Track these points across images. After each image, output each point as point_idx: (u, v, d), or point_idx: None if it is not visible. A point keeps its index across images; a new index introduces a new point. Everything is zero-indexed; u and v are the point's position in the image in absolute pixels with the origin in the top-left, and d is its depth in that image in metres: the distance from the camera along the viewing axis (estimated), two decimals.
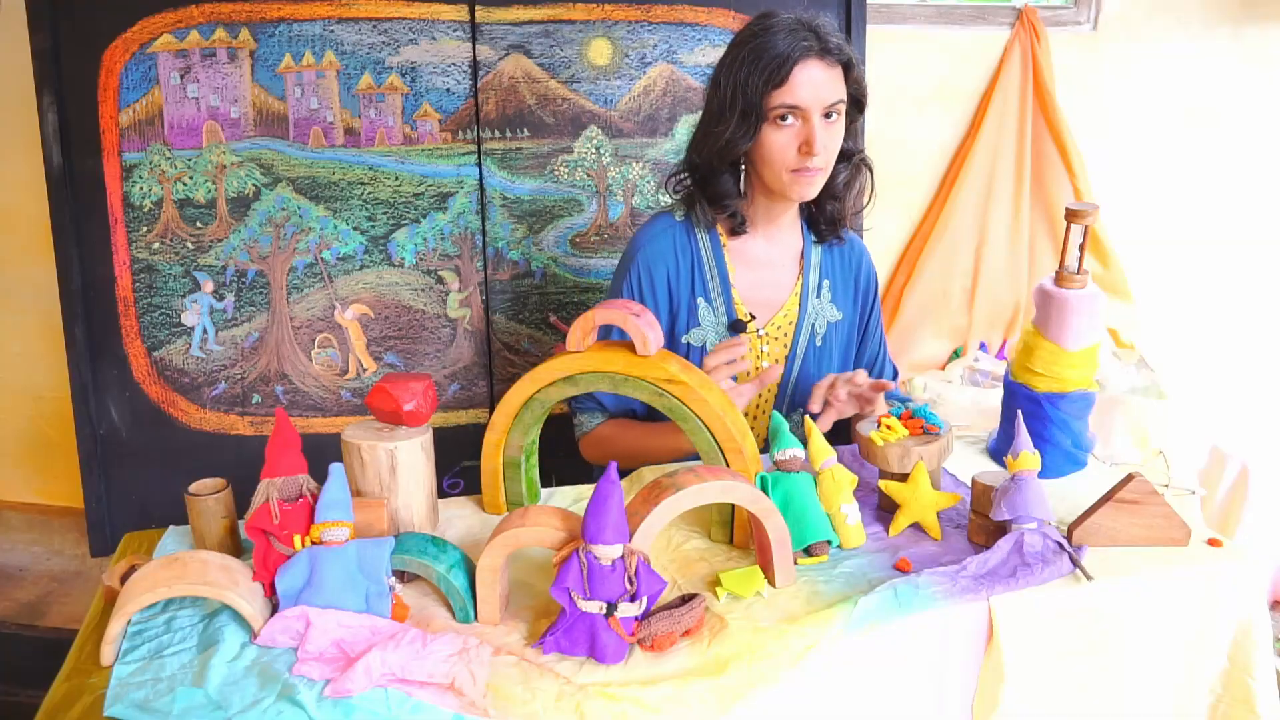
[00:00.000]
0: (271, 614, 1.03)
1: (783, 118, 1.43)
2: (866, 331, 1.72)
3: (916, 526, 1.23)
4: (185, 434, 2.12)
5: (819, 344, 1.64)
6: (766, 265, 1.62)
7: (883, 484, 1.24)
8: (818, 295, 1.63)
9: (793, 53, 1.40)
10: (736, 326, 1.59)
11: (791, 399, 1.64)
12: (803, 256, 1.63)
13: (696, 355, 1.59)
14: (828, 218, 1.61)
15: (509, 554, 1.05)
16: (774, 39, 1.42)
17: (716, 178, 1.54)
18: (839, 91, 1.44)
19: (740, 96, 1.43)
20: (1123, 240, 2.58)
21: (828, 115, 1.44)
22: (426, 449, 1.19)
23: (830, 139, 1.46)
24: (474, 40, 2.08)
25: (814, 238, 1.64)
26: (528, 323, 2.20)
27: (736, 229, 1.58)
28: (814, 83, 1.41)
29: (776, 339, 1.62)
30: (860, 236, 1.74)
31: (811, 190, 1.49)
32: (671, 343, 1.59)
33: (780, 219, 1.60)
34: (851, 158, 1.57)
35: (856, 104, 1.52)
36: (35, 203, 2.15)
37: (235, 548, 1.18)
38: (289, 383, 2.14)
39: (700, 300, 1.58)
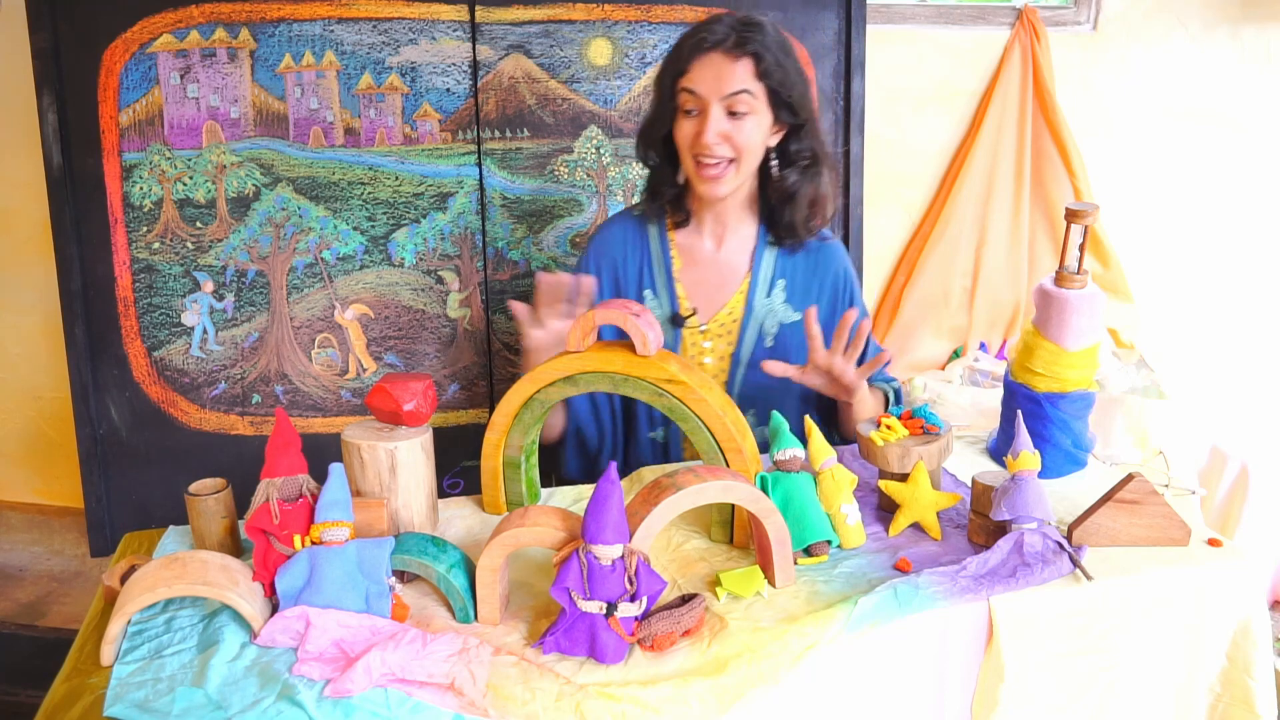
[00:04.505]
0: (271, 614, 1.03)
1: (688, 108, 1.49)
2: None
3: (916, 526, 1.23)
4: (185, 434, 2.12)
5: (769, 344, 1.62)
6: (713, 263, 1.63)
7: (883, 484, 1.24)
8: (768, 295, 1.62)
9: (695, 44, 1.46)
10: (676, 320, 1.61)
11: (740, 398, 1.62)
12: (754, 256, 1.63)
13: None
14: (783, 223, 1.59)
15: (509, 554, 1.05)
16: (693, 31, 1.48)
17: (657, 168, 1.60)
18: (742, 82, 1.45)
19: (657, 85, 1.54)
20: (1123, 240, 2.58)
21: (734, 109, 1.46)
22: (426, 449, 1.19)
23: (738, 133, 1.47)
24: (474, 40, 2.08)
25: (770, 239, 1.62)
26: None
27: (680, 222, 1.63)
28: (714, 73, 1.45)
29: (720, 336, 1.62)
30: (833, 235, 1.70)
31: (715, 187, 1.51)
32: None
33: (728, 217, 1.61)
34: (797, 162, 1.55)
35: (783, 104, 1.49)
36: (35, 203, 2.15)
37: (235, 548, 1.18)
38: (289, 383, 2.14)
39: (647, 292, 1.62)
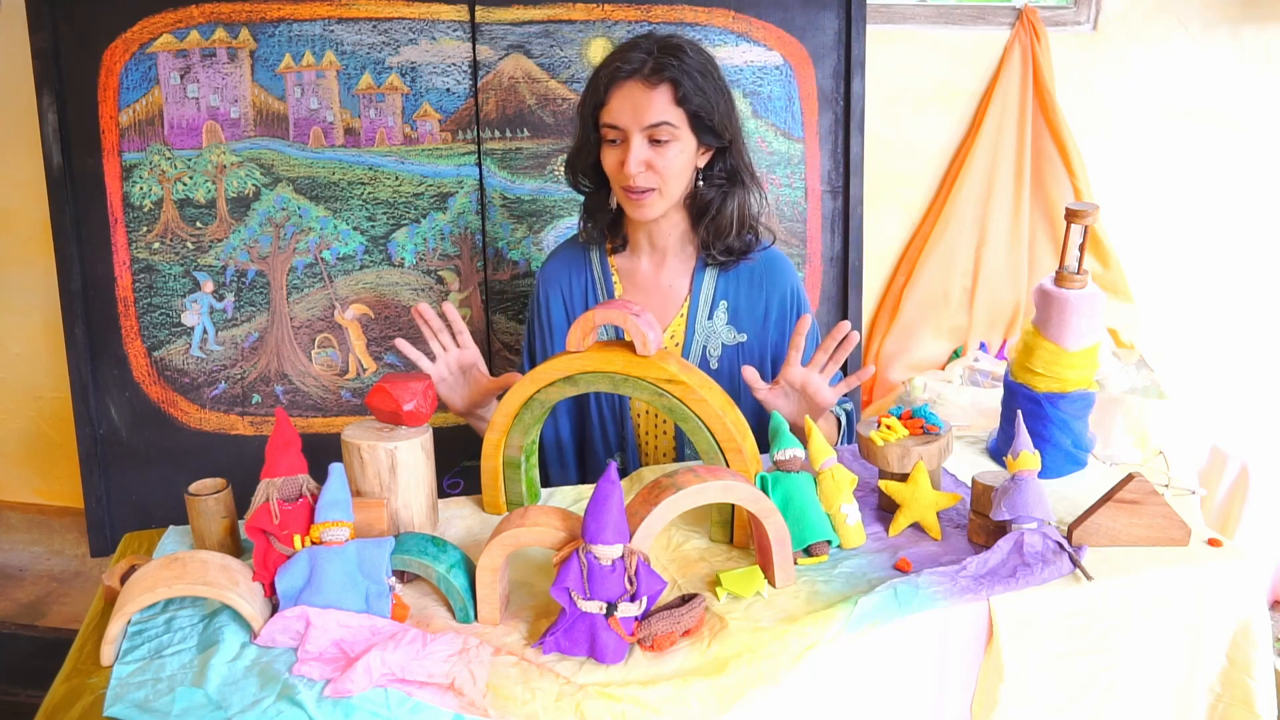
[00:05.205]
0: (271, 614, 1.03)
1: (610, 138, 1.48)
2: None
3: (916, 526, 1.23)
4: (185, 434, 2.12)
5: (714, 366, 1.60)
6: (654, 287, 1.63)
7: (883, 484, 1.24)
8: (709, 317, 1.60)
9: (610, 74, 1.45)
10: None
11: None
12: (694, 277, 1.61)
13: None
14: (707, 242, 1.57)
15: (509, 554, 1.05)
16: (610, 60, 1.47)
17: (590, 194, 1.61)
18: (662, 112, 1.44)
19: (579, 116, 1.53)
20: (1123, 240, 2.58)
21: (655, 138, 1.45)
22: (426, 449, 1.19)
23: (661, 160, 1.46)
24: (474, 40, 2.08)
25: (705, 259, 1.60)
26: None
27: (619, 247, 1.64)
28: (632, 104, 1.44)
29: None
30: (770, 248, 1.65)
31: (643, 211, 1.51)
32: None
33: (664, 240, 1.60)
34: (713, 181, 1.54)
35: (706, 128, 1.48)
36: (35, 203, 2.15)
37: (235, 548, 1.18)
38: (289, 383, 2.14)
39: None
